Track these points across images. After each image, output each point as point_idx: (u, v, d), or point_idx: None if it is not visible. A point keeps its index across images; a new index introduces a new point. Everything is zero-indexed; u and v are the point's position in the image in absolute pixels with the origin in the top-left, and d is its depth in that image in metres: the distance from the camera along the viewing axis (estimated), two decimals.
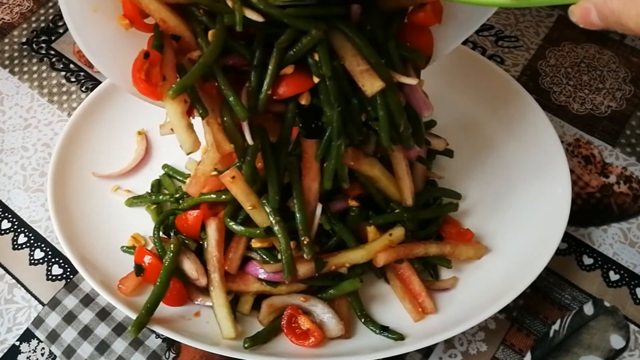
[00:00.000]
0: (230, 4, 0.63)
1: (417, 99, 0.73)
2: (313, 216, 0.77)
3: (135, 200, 0.91)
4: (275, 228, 0.76)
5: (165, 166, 0.94)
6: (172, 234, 0.85)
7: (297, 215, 0.76)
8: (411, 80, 0.69)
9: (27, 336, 0.85)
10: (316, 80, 0.66)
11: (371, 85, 0.66)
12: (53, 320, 0.85)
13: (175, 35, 0.68)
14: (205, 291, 0.80)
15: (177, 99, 0.65)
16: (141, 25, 0.68)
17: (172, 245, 0.79)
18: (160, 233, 0.83)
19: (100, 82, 1.04)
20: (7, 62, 1.11)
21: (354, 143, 0.73)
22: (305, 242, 0.75)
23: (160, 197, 0.90)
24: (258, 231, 0.78)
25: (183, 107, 0.66)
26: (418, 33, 0.72)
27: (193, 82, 0.65)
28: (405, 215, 0.82)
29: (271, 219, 0.76)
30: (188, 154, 0.67)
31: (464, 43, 1.08)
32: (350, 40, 0.66)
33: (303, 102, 0.68)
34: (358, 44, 0.66)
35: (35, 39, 1.14)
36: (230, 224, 0.80)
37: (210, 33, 0.65)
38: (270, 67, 0.65)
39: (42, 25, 1.16)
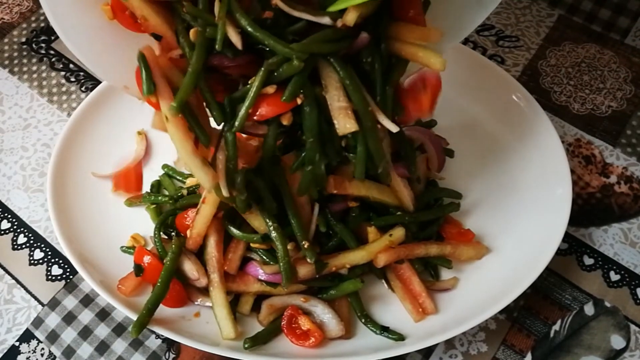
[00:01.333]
0: (215, 13, 0.60)
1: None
2: (310, 219, 0.77)
3: (135, 200, 0.91)
4: (273, 235, 0.75)
5: (165, 166, 0.94)
6: (173, 234, 0.84)
7: (292, 221, 0.75)
8: (393, 127, 0.66)
9: (26, 336, 0.84)
10: (299, 101, 0.64)
11: (343, 125, 0.63)
12: (53, 320, 0.85)
13: (156, 35, 0.66)
14: (205, 291, 0.80)
15: (183, 130, 0.64)
16: (124, 19, 0.66)
17: (173, 246, 0.79)
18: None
19: (100, 82, 1.03)
20: (6, 62, 1.11)
21: (332, 164, 0.71)
22: (305, 246, 0.75)
23: (160, 197, 0.90)
24: (255, 237, 0.78)
25: (192, 144, 0.64)
26: (413, 97, 0.70)
27: (189, 95, 0.62)
28: (407, 218, 0.82)
29: (268, 225, 0.75)
30: (210, 190, 0.66)
31: (465, 43, 1.08)
32: (341, 79, 0.63)
33: (285, 122, 0.66)
34: (348, 87, 0.63)
35: (34, 39, 1.14)
36: (229, 227, 0.79)
37: (192, 32, 0.62)
38: (254, 87, 0.62)
39: (42, 25, 1.15)
